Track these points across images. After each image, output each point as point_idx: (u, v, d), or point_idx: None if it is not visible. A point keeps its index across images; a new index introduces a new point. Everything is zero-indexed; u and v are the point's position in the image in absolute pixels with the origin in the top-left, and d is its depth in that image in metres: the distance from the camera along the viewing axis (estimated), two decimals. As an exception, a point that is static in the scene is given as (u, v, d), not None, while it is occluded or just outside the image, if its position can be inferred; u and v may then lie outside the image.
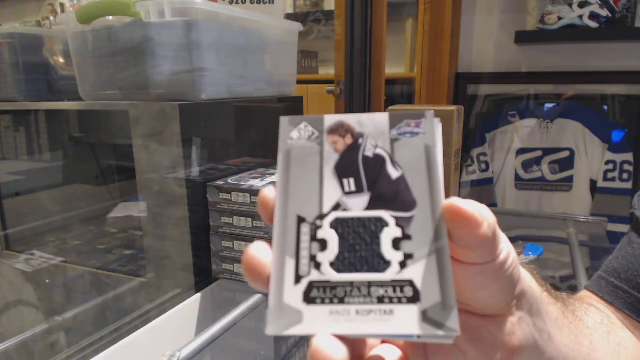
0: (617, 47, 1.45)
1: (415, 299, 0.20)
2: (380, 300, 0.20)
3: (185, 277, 0.73)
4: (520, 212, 1.43)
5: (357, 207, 0.22)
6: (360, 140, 0.23)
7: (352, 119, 0.24)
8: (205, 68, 0.71)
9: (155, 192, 0.72)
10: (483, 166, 1.62)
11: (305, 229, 0.21)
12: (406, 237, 0.21)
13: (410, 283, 0.20)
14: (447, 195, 0.21)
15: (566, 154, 1.52)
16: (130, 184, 0.98)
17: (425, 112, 0.23)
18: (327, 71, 2.45)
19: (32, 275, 0.96)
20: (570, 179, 1.53)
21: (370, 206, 0.22)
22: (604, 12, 1.35)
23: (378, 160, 0.23)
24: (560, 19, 1.39)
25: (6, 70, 0.93)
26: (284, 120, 0.24)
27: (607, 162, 1.47)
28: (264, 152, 0.90)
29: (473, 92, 1.65)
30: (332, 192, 0.22)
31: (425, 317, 0.19)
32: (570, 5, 1.38)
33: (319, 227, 0.21)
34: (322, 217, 0.22)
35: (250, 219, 0.68)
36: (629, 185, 1.46)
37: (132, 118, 0.71)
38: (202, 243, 0.73)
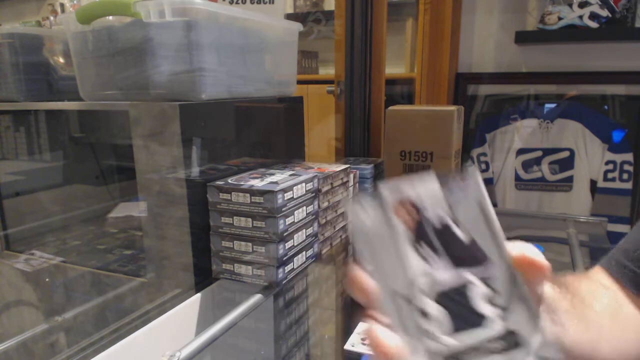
0: (617, 47, 1.45)
1: (523, 343, 0.23)
2: (494, 352, 0.22)
3: (185, 277, 0.73)
4: (520, 212, 1.43)
5: (442, 274, 0.24)
6: (426, 213, 0.25)
7: (409, 190, 0.25)
8: (205, 68, 0.71)
9: (155, 192, 0.72)
10: (483, 166, 1.62)
11: (407, 304, 0.23)
12: (493, 291, 0.23)
13: (514, 332, 0.23)
14: None
15: (566, 154, 1.52)
16: (130, 184, 0.99)
17: (467, 167, 0.25)
18: (327, 71, 2.45)
19: (32, 275, 0.96)
20: (570, 179, 1.53)
21: (453, 271, 0.24)
22: (604, 12, 1.35)
23: (446, 227, 0.25)
24: (560, 19, 1.39)
25: (6, 70, 0.93)
26: (348, 202, 0.26)
27: (607, 162, 1.47)
28: (264, 152, 0.90)
29: (473, 92, 1.65)
30: (416, 265, 0.24)
31: (537, 356, 0.22)
32: (570, 5, 1.38)
33: (419, 300, 0.23)
34: (417, 289, 0.24)
35: (250, 219, 0.68)
36: (629, 186, 1.46)
37: (132, 118, 0.71)
38: (202, 243, 0.73)
